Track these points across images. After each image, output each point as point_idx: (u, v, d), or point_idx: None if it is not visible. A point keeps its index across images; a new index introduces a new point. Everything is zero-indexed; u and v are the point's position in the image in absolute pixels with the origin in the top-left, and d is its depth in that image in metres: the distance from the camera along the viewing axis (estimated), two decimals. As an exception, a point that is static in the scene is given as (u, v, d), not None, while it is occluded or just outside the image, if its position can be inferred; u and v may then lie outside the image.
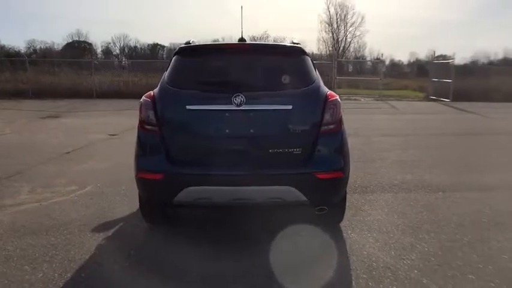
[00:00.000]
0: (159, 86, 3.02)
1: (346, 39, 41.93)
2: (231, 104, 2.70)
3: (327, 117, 2.82)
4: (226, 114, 2.75)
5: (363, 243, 3.10)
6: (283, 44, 3.33)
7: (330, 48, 41.00)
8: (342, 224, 3.42)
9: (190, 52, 3.18)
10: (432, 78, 17.64)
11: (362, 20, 40.08)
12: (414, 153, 6.57)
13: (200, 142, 2.82)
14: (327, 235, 3.21)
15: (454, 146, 7.47)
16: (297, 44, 3.31)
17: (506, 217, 3.70)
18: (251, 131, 2.76)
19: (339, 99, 2.94)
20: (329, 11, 40.33)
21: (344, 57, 38.52)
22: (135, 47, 53.19)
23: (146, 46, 52.71)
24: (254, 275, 2.62)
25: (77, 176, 4.96)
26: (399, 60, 49.53)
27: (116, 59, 45.73)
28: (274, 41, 27.34)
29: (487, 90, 16.53)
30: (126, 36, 51.86)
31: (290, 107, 2.77)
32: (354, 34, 41.06)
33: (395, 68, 43.55)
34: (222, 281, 2.59)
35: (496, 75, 18.46)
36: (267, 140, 2.80)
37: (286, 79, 2.91)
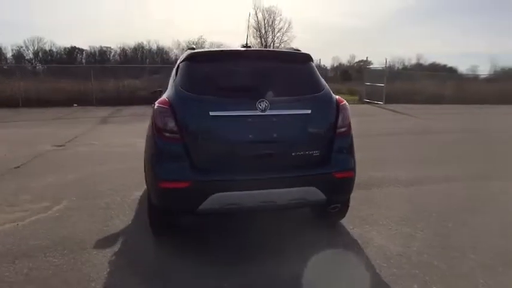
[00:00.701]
0: (172, 92, 2.96)
1: (274, 44, 43.08)
2: (256, 109, 2.79)
3: (340, 120, 3.03)
4: (250, 119, 2.82)
5: (369, 236, 3.37)
6: (292, 50, 3.46)
7: (257, 53, 41.92)
8: (341, 221, 3.66)
9: (203, 58, 3.19)
10: (366, 82, 19.15)
11: (289, 25, 41.58)
12: (372, 153, 7.11)
13: (225, 148, 2.83)
14: (334, 232, 3.45)
15: (403, 144, 8.26)
16: (298, 50, 3.49)
17: (473, 203, 4.28)
18: (274, 135, 2.86)
19: (347, 104, 3.17)
20: (257, 17, 41.18)
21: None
22: (51, 50, 49.19)
23: (63, 50, 49.08)
24: (275, 277, 2.75)
25: (43, 191, 4.58)
26: (323, 65, 52.43)
27: (30, 64, 41.92)
28: (210, 46, 27.27)
29: (412, 93, 18.42)
30: (40, 40, 47.78)
31: (309, 111, 2.94)
32: (281, 39, 42.35)
33: (320, 72, 45.76)
34: None
35: (418, 80, 20.63)
36: (290, 144, 2.92)
37: (301, 85, 3.08)
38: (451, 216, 3.86)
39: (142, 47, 50.94)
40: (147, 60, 48.68)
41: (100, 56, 49.36)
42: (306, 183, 2.86)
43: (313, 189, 2.86)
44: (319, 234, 3.38)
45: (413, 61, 49.09)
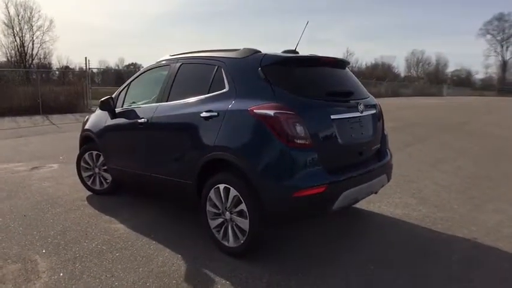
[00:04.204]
0: (286, 97, 2.93)
1: (33, 44, 37.31)
2: (358, 111, 3.23)
3: (383, 118, 3.78)
4: (354, 120, 3.22)
5: (379, 205, 4.37)
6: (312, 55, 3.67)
7: (12, 55, 35.65)
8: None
9: (298, 63, 3.27)
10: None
11: (51, 24, 36.97)
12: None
13: (341, 148, 3.08)
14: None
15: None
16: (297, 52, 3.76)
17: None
18: (362, 133, 3.33)
19: None
20: (8, 11, 34.58)
21: (33, 65, 34.32)
22: None
23: None
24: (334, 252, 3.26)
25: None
26: (90, 69, 48.49)
27: None
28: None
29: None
30: None
31: (375, 111, 3.57)
32: (42, 39, 37.04)
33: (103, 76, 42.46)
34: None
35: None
36: (372, 139, 3.45)
37: (360, 88, 3.59)
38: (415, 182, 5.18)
39: None
40: None
41: None
42: (384, 171, 3.50)
43: (385, 176, 3.53)
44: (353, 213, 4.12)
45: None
